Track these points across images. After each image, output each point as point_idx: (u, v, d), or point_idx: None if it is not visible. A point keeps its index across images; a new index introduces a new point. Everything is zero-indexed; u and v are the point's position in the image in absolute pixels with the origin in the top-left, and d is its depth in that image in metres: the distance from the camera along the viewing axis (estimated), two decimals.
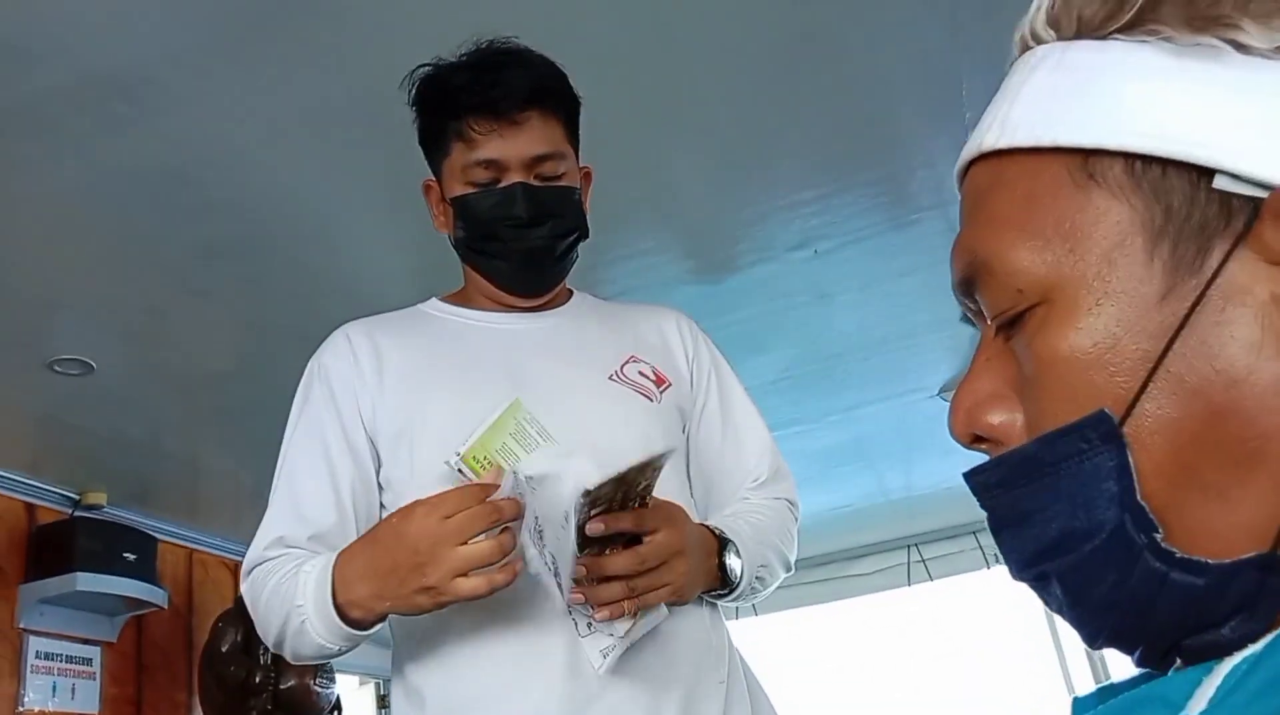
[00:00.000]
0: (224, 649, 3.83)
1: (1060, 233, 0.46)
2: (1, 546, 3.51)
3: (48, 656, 3.54)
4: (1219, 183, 0.42)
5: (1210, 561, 0.41)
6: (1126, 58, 0.45)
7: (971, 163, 0.51)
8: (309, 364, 1.39)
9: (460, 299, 1.43)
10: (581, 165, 1.38)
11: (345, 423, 1.31)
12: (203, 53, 1.90)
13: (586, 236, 1.37)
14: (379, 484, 1.32)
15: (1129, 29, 0.45)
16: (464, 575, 1.07)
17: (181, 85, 1.97)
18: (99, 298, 2.64)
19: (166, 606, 3.87)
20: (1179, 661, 0.44)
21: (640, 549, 1.13)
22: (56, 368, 2.90)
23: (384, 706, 6.21)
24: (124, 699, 3.86)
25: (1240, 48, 0.42)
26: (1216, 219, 0.42)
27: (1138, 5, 0.44)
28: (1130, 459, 0.43)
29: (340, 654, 1.21)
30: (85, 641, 3.71)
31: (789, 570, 1.38)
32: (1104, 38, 0.46)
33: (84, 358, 2.88)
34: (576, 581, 1.11)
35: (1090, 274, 0.45)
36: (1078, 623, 0.47)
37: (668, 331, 1.44)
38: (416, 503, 1.11)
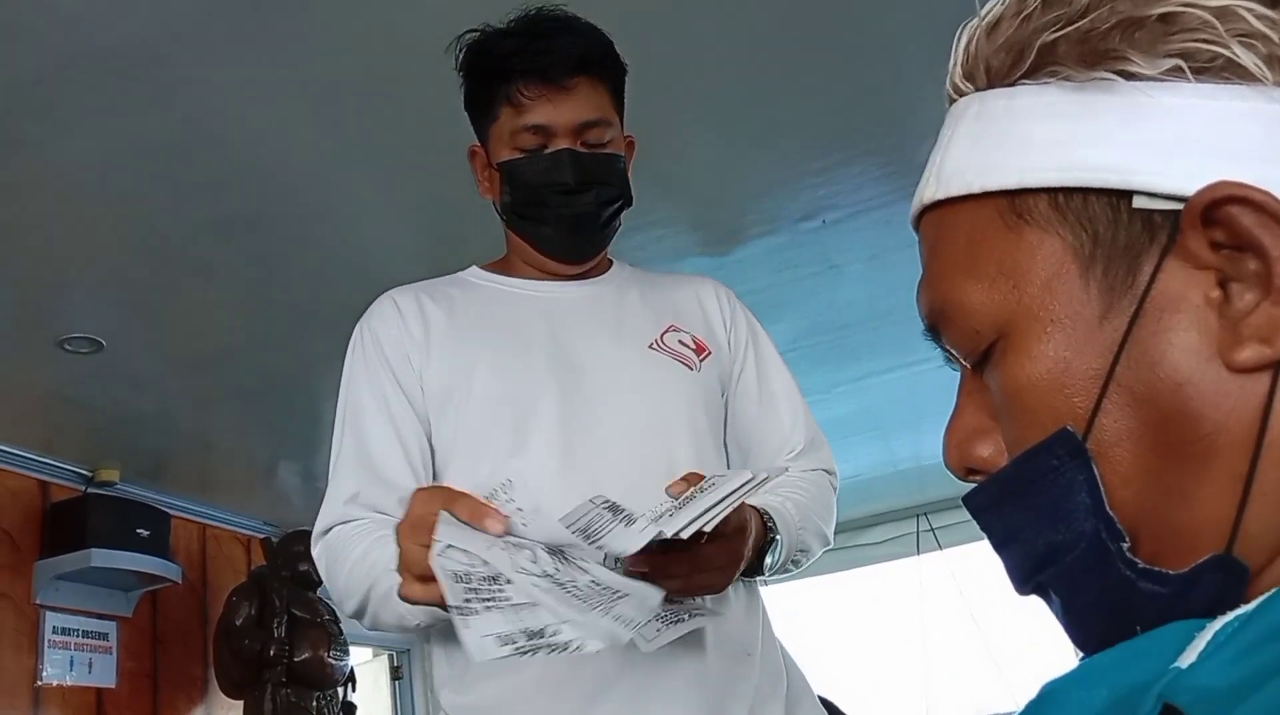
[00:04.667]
0: (238, 622, 3.86)
1: (1002, 271, 0.49)
2: (17, 524, 3.53)
3: (64, 631, 3.58)
4: (1138, 202, 0.45)
5: (1170, 572, 0.45)
6: (1034, 100, 0.49)
7: (921, 215, 0.55)
8: (356, 330, 1.38)
9: (502, 267, 1.44)
10: (625, 134, 1.39)
11: (402, 382, 1.32)
12: (208, 27, 1.89)
13: (630, 204, 1.38)
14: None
15: (1032, 74, 0.49)
16: (417, 578, 1.02)
17: (187, 61, 1.97)
18: (107, 276, 2.65)
19: (180, 581, 3.90)
20: None
21: (699, 561, 1.10)
22: (67, 346, 2.91)
23: (397, 678, 6.26)
24: (140, 673, 3.90)
25: (1129, 76, 0.46)
26: (1142, 236, 0.45)
27: (1035, 51, 0.48)
28: (1096, 471, 0.46)
29: (421, 626, 1.17)
30: (101, 616, 3.75)
31: (827, 545, 1.38)
32: (1013, 84, 0.50)
33: (94, 336, 2.89)
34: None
35: (1035, 305, 0.48)
36: (1070, 630, 0.51)
37: (706, 300, 1.45)
38: (420, 488, 1.10)
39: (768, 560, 1.25)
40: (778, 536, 1.25)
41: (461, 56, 1.35)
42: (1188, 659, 0.41)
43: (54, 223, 2.39)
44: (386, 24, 1.95)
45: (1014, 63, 0.49)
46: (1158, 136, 0.45)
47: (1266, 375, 0.43)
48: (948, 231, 0.53)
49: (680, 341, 1.37)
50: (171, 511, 4.00)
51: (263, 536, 4.37)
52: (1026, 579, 0.52)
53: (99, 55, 1.92)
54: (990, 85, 0.51)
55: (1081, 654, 0.51)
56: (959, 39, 0.53)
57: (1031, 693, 0.47)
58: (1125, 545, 0.46)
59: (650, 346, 1.35)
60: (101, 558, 3.48)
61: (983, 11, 0.52)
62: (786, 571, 1.32)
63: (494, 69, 1.31)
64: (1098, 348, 0.46)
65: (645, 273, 1.50)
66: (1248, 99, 0.44)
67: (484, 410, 1.26)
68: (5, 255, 2.48)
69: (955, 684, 5.60)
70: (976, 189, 0.50)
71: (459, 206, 2.58)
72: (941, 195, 0.53)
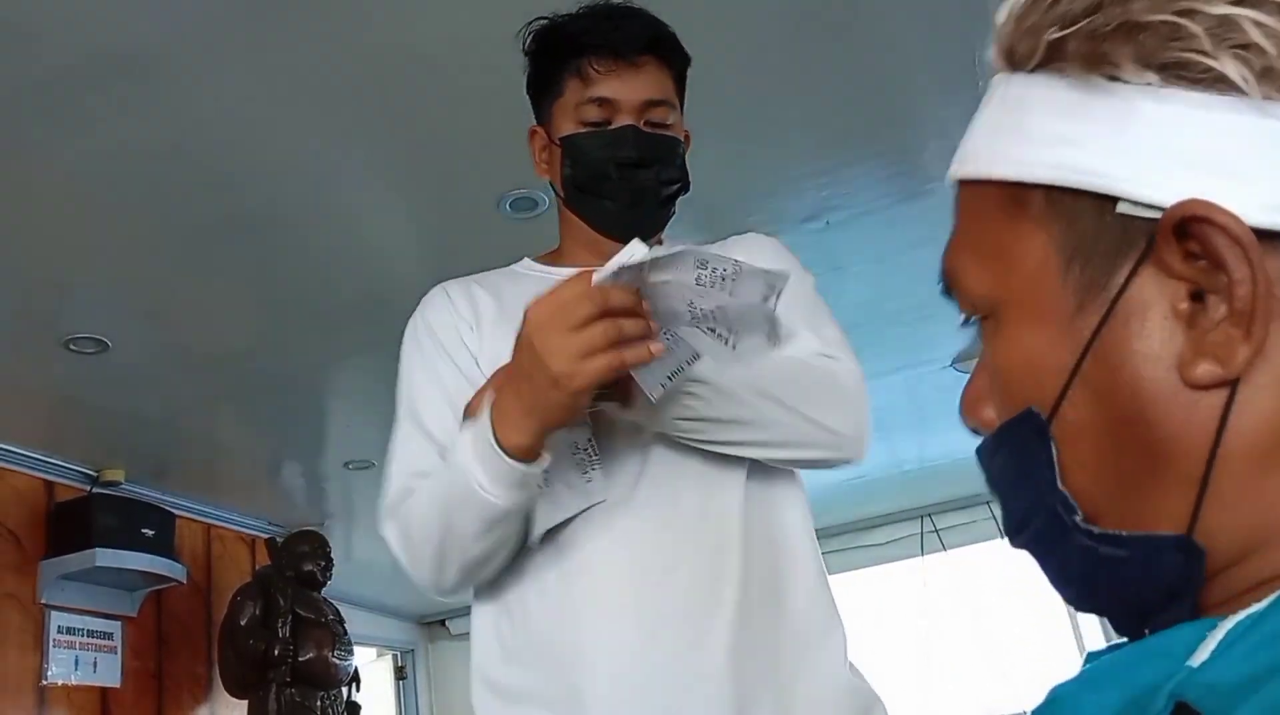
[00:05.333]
0: (243, 622, 3.86)
1: (998, 256, 0.52)
2: (22, 523, 3.54)
3: (69, 631, 3.59)
4: (1121, 208, 0.46)
5: (1125, 533, 0.46)
6: (1045, 93, 0.50)
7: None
8: (410, 322, 1.40)
9: (553, 258, 1.44)
10: (685, 127, 1.39)
11: (456, 358, 1.33)
12: (211, 29, 1.90)
13: (688, 190, 1.40)
14: None
15: (1046, 65, 0.50)
16: (589, 357, 1.02)
17: (191, 62, 1.97)
18: (112, 276, 2.65)
19: (185, 581, 3.91)
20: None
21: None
22: (72, 346, 2.92)
23: (401, 678, 6.28)
24: (145, 672, 3.91)
25: (1126, 81, 0.47)
26: (1121, 241, 0.47)
27: (1045, 45, 0.49)
28: (1055, 452, 0.49)
29: (505, 519, 1.14)
30: (106, 616, 3.75)
31: (787, 407, 1.24)
32: (1031, 72, 0.51)
33: (99, 336, 2.89)
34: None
35: (1019, 294, 0.51)
36: (1054, 586, 0.54)
37: (743, 255, 1.44)
38: (532, 302, 1.07)
39: None
40: None
41: (529, 40, 1.37)
42: (1199, 658, 0.41)
43: (59, 223, 2.40)
44: (390, 28, 1.95)
45: (1031, 52, 0.50)
46: (1143, 144, 0.46)
47: (1223, 392, 0.44)
48: (965, 205, 0.55)
49: None
50: (176, 511, 4.01)
51: (267, 536, 4.38)
52: (1011, 537, 0.55)
53: (105, 57, 1.92)
54: (1016, 69, 0.52)
55: (1073, 608, 0.53)
56: (998, 13, 0.53)
57: (1036, 692, 0.48)
58: (1078, 517, 0.48)
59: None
60: (106, 557, 3.49)
61: None
62: (685, 407, 1.20)
63: (565, 45, 1.33)
64: (1068, 343, 0.48)
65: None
66: (1240, 112, 0.44)
67: None
68: (11, 255, 2.48)
69: (959, 685, 5.59)
70: (983, 175, 0.53)
71: (462, 209, 2.59)
72: (960, 175, 0.55)
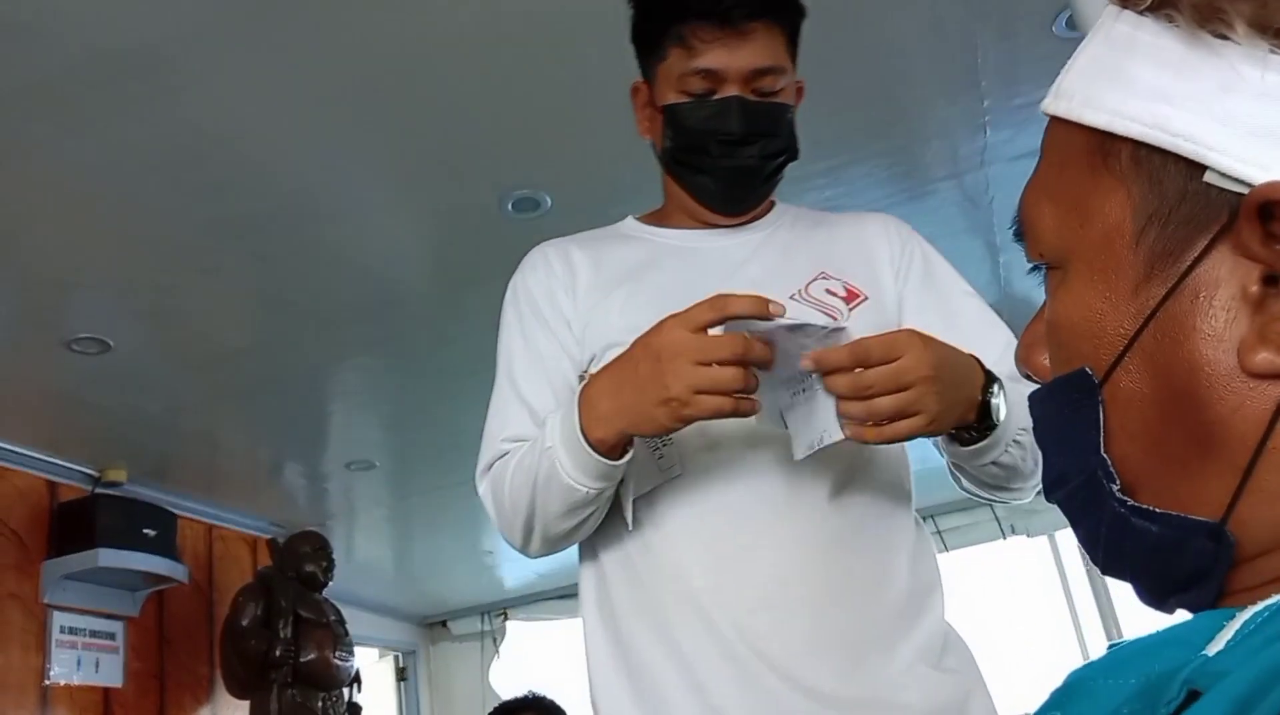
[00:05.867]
0: (244, 623, 3.86)
1: (1075, 207, 0.50)
2: (25, 523, 3.54)
3: (72, 631, 3.59)
4: (1209, 178, 0.44)
5: (1158, 510, 0.46)
6: (1152, 40, 0.47)
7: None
8: (510, 284, 1.38)
9: (657, 218, 1.40)
10: (796, 79, 1.33)
11: (550, 321, 1.31)
12: (216, 30, 1.90)
13: (795, 157, 1.34)
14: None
15: (1158, 9, 0.46)
16: (707, 393, 1.02)
17: (195, 63, 1.97)
18: (115, 277, 2.65)
19: (187, 581, 3.91)
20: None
21: (865, 373, 1.03)
22: (74, 347, 2.92)
23: (402, 679, 6.28)
24: (147, 672, 3.91)
25: (1233, 44, 0.44)
26: (1202, 211, 0.44)
27: None
28: (1102, 417, 0.48)
29: (589, 503, 1.15)
30: (108, 616, 3.75)
31: (1033, 484, 1.24)
32: (1143, 13, 0.47)
33: (101, 337, 2.90)
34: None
35: (1090, 251, 0.49)
36: (1082, 546, 0.53)
37: (872, 238, 1.38)
38: (669, 316, 1.06)
39: (995, 401, 1.13)
40: (997, 378, 1.14)
41: None
42: (1215, 647, 0.41)
43: (61, 224, 2.40)
44: (391, 27, 1.95)
45: None
46: (1245, 115, 0.43)
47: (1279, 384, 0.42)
48: (1052, 144, 0.53)
49: (828, 290, 1.29)
50: (178, 512, 4.01)
51: (269, 537, 4.38)
52: (1049, 492, 0.54)
53: (106, 58, 1.92)
54: (1128, 4, 0.49)
55: (1103, 573, 0.53)
56: None
57: (1038, 694, 0.47)
58: (1116, 487, 0.48)
59: (792, 297, 1.26)
60: (109, 557, 3.49)
61: None
62: (1009, 470, 1.20)
63: (667, 6, 1.25)
64: (1131, 310, 0.47)
65: (813, 213, 1.44)
66: None
67: (612, 355, 1.22)
68: (13, 256, 2.49)
69: None
70: (1075, 118, 0.50)
71: (464, 209, 2.59)
72: (1052, 110, 0.53)
